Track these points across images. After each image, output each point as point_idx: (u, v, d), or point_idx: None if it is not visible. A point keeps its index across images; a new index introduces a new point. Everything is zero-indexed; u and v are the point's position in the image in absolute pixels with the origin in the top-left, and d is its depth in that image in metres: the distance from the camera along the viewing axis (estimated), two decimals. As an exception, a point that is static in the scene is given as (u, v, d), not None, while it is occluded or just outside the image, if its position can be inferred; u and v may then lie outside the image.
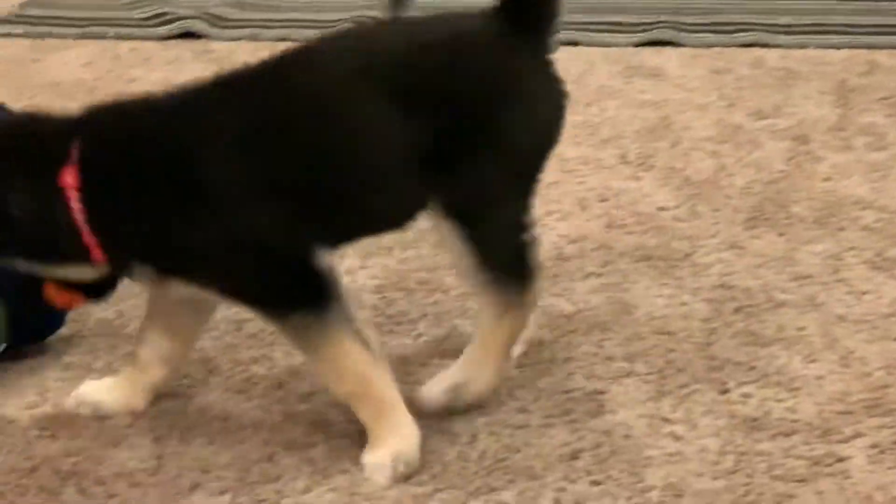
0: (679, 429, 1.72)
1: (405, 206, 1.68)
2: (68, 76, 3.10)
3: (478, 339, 1.75)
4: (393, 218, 1.72)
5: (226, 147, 1.58)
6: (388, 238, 2.24)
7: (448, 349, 1.91)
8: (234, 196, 1.57)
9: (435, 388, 1.75)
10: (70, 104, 2.78)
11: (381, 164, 1.63)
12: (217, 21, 3.51)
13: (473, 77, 1.65)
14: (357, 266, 2.16)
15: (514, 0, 1.68)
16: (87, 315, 2.00)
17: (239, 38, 3.41)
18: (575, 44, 3.26)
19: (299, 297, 1.61)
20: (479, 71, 1.65)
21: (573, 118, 2.76)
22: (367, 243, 2.21)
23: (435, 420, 1.74)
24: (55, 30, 3.49)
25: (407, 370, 1.86)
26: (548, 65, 1.71)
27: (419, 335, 1.97)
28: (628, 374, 1.85)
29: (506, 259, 1.70)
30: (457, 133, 1.62)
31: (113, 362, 1.90)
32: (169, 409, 1.79)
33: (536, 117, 1.69)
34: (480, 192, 1.65)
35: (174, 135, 1.60)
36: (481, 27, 1.68)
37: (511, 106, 1.66)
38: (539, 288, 1.76)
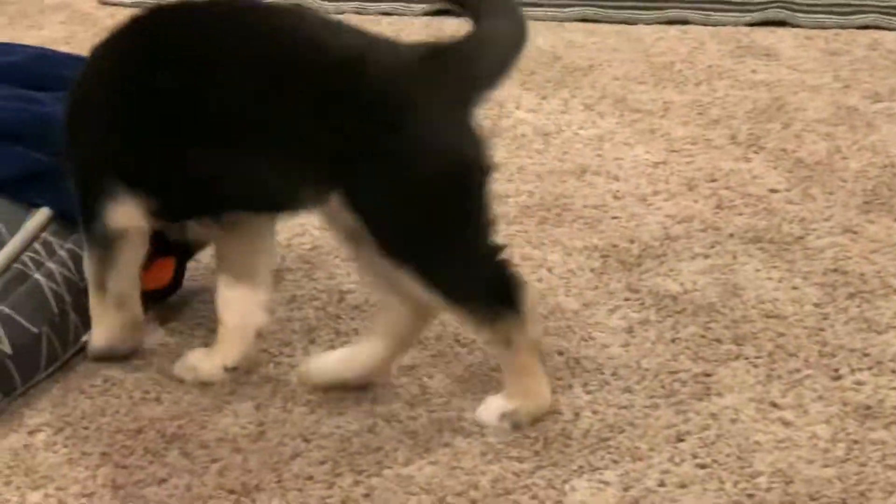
0: (789, 414, 1.68)
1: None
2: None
3: (505, 372, 1.70)
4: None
5: None
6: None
7: (550, 327, 1.89)
8: None
9: (486, 416, 1.70)
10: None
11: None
12: (324, -6, 3.51)
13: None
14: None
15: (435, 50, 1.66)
16: (189, 281, 2.01)
17: (344, 12, 3.40)
18: (685, 22, 3.22)
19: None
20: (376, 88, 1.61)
21: (682, 97, 2.74)
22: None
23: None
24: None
25: (510, 346, 1.85)
26: (461, 111, 1.62)
27: (522, 311, 1.95)
28: (736, 357, 1.81)
29: (474, 293, 1.65)
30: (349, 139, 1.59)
31: (216, 328, 1.90)
32: (271, 376, 1.79)
33: (428, 148, 1.61)
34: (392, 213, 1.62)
35: None
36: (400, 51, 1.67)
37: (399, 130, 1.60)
38: (528, 298, 1.67)
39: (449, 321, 1.90)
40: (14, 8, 3.44)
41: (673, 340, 1.86)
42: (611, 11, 3.32)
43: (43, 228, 1.84)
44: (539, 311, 1.93)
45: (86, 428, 1.68)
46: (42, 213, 1.85)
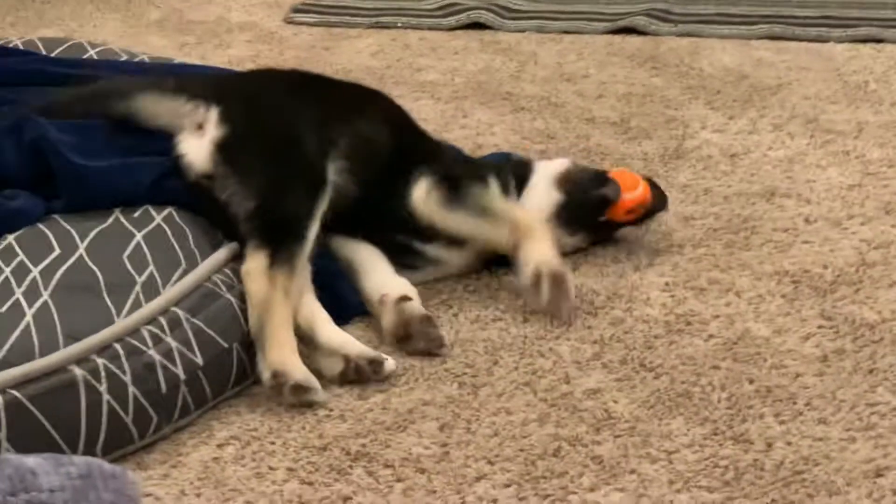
0: None
1: None
2: (359, 64, 3.15)
3: None
4: None
5: None
6: (677, 236, 2.18)
7: (740, 353, 1.84)
8: None
9: None
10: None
11: None
12: (505, 12, 3.51)
13: None
14: (645, 263, 2.11)
15: None
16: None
17: (525, 30, 3.40)
18: (879, 40, 3.12)
19: None
20: None
21: (877, 118, 2.66)
22: (657, 240, 2.17)
23: (724, 424, 1.67)
24: (347, 19, 3.56)
25: (696, 371, 1.80)
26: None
27: (710, 336, 1.90)
28: (938, 390, 1.74)
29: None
30: None
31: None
32: (454, 397, 1.78)
33: None
34: None
35: None
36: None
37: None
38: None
39: (633, 344, 1.88)
40: (202, 28, 3.53)
41: (871, 371, 1.79)
42: (799, 29, 3.24)
43: (235, 255, 1.89)
44: (727, 335, 1.89)
45: (272, 443, 1.69)
46: (229, 248, 1.90)
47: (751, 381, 1.78)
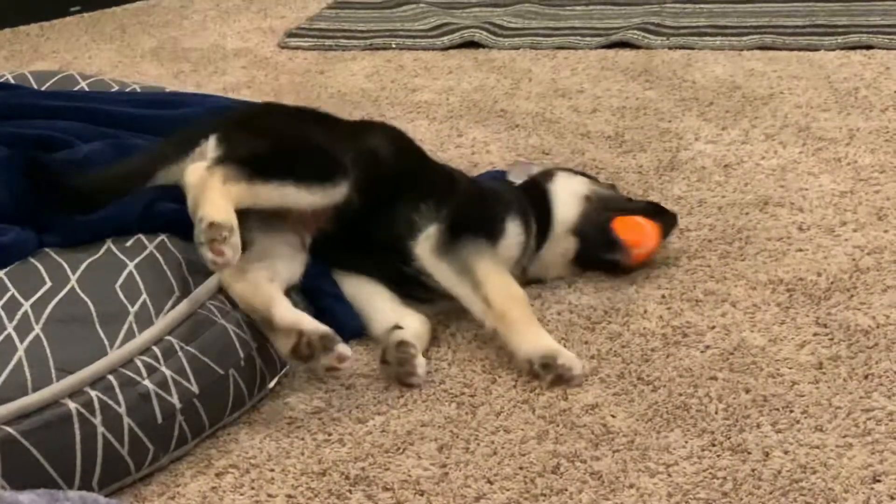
0: None
1: None
2: (354, 87, 3.16)
3: None
4: None
5: None
6: (672, 248, 2.19)
7: (736, 363, 1.84)
8: None
9: None
10: (356, 113, 2.86)
11: None
12: (498, 30, 3.52)
13: None
14: (641, 277, 2.11)
15: None
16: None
17: (519, 47, 3.41)
18: (868, 47, 3.13)
19: None
20: None
21: (868, 124, 2.66)
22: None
23: (722, 435, 1.68)
24: (341, 42, 3.58)
25: (693, 382, 1.80)
26: None
27: (706, 347, 1.90)
28: (934, 394, 1.74)
29: None
30: None
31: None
32: (453, 417, 1.78)
33: None
34: None
35: None
36: None
37: None
38: None
39: (630, 358, 1.88)
40: (198, 55, 3.54)
41: (866, 377, 1.79)
42: (789, 39, 3.25)
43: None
44: (723, 346, 1.89)
45: (272, 470, 1.70)
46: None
47: (747, 391, 1.78)
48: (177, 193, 1.94)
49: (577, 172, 2.31)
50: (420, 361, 1.88)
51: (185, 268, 1.88)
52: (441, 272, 1.99)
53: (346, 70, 3.31)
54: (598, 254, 2.11)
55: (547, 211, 2.13)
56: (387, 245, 2.03)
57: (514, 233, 2.06)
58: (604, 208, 2.14)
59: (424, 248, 2.00)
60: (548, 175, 2.23)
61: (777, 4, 3.59)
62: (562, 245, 2.13)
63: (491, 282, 1.94)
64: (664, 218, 2.15)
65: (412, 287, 2.03)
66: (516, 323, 1.90)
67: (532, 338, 1.89)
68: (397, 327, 1.93)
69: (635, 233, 2.09)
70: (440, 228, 2.01)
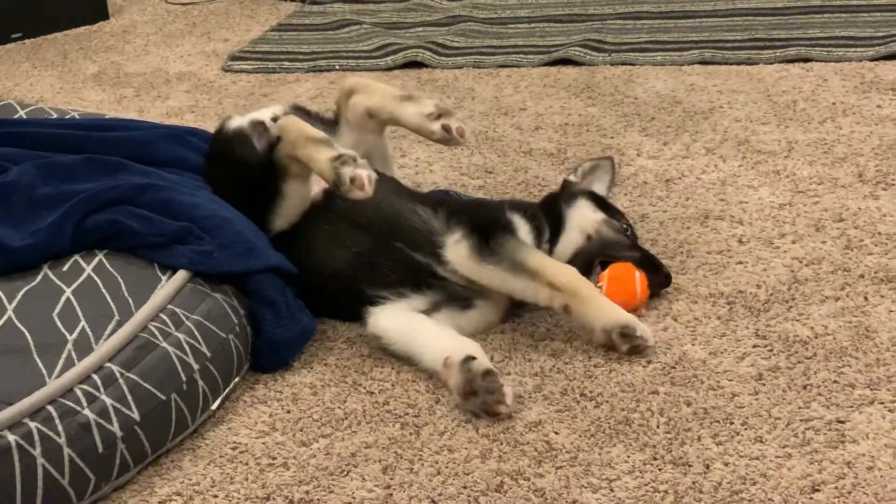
0: (929, 461, 1.62)
1: None
2: (297, 109, 3.16)
3: None
4: None
5: None
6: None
7: (677, 376, 1.86)
8: None
9: None
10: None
11: None
12: (441, 49, 3.54)
13: None
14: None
15: None
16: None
17: (462, 66, 3.42)
18: (807, 60, 3.16)
19: None
20: None
21: (806, 136, 2.69)
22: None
23: (664, 448, 1.69)
24: (285, 64, 3.58)
25: (636, 397, 1.82)
26: None
27: (648, 362, 1.92)
28: (871, 403, 1.76)
29: None
30: None
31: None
32: (397, 437, 1.79)
33: None
34: None
35: None
36: None
37: None
38: None
39: (573, 374, 1.89)
40: (140, 80, 3.53)
41: (805, 387, 1.81)
42: (729, 53, 3.28)
43: (170, 300, 1.87)
44: (665, 360, 1.91)
45: (215, 496, 1.69)
46: (170, 284, 1.89)
47: (688, 404, 1.79)
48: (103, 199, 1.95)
49: (601, 201, 2.27)
50: (509, 390, 1.83)
51: (124, 288, 1.88)
52: (487, 274, 2.01)
53: (289, 92, 3.31)
54: None
55: (556, 234, 2.16)
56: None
57: (523, 229, 2.09)
58: (599, 252, 2.12)
59: (460, 254, 2.03)
60: (571, 197, 2.23)
61: (717, 19, 3.63)
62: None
63: (548, 267, 1.99)
64: (657, 275, 2.09)
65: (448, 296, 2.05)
66: (589, 298, 1.96)
67: (609, 310, 1.96)
68: (471, 358, 1.87)
69: (619, 285, 2.05)
70: (470, 235, 2.03)
